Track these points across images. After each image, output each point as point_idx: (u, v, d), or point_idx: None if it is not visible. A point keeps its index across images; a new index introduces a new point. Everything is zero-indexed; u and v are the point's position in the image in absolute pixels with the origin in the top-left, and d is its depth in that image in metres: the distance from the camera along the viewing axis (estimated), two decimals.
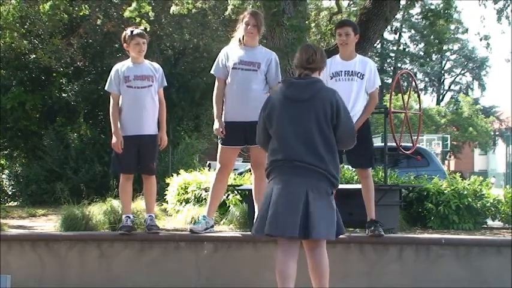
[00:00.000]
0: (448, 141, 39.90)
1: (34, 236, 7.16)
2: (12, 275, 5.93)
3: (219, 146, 6.56)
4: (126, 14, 11.20)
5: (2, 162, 17.90)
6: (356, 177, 8.56)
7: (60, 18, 14.02)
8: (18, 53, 15.96)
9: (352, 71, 6.37)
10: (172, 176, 10.81)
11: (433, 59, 52.38)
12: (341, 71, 6.35)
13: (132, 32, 6.59)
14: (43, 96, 16.77)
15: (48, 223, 9.08)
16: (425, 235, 7.29)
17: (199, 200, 9.25)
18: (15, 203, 15.75)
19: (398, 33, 49.99)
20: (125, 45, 6.68)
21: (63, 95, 17.05)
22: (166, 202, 10.07)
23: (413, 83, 9.06)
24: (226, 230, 7.88)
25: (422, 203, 8.55)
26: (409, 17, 46.65)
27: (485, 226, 8.66)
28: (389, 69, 51.27)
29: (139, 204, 7.66)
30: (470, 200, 8.39)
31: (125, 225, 6.57)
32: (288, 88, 5.10)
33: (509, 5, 11.22)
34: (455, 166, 49.39)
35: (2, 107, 16.00)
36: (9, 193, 17.03)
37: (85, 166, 15.29)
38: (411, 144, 8.91)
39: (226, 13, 12.52)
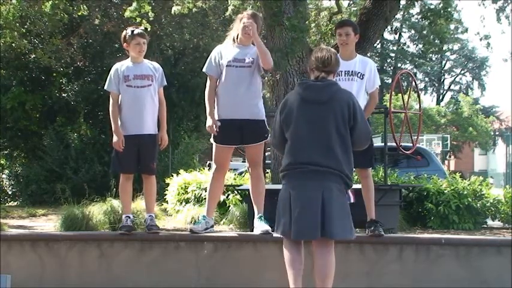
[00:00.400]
0: (448, 141, 39.89)
1: (34, 236, 7.15)
2: (12, 275, 5.93)
3: (214, 146, 6.53)
4: (127, 14, 11.19)
5: (2, 162, 17.91)
6: (356, 177, 8.57)
7: (60, 18, 14.01)
8: (18, 53, 15.96)
9: (352, 71, 6.37)
10: (172, 176, 10.82)
11: (433, 59, 52.41)
12: (341, 71, 6.34)
13: (132, 31, 6.59)
14: (43, 96, 16.78)
15: (48, 223, 9.09)
16: (425, 235, 7.30)
17: (199, 200, 9.26)
18: (15, 203, 15.76)
19: (398, 33, 50.00)
20: (124, 44, 6.67)
21: (63, 95, 17.06)
22: (166, 202, 10.08)
23: (413, 83, 9.07)
24: (226, 230, 7.89)
25: (422, 203, 8.56)
26: (409, 17, 46.64)
27: (485, 226, 8.67)
28: (389, 69, 51.28)
29: (139, 204, 7.67)
30: (470, 200, 8.40)
31: (124, 225, 6.57)
32: (305, 90, 5.19)
33: (508, 5, 11.21)
34: (455, 166, 49.38)
35: (2, 107, 16.01)
36: (9, 193, 17.04)
37: (85, 166, 15.30)
38: (411, 144, 8.92)
39: (227, 13, 12.53)
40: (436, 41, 13.02)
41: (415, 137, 8.84)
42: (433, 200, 8.45)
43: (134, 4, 11.00)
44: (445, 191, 8.53)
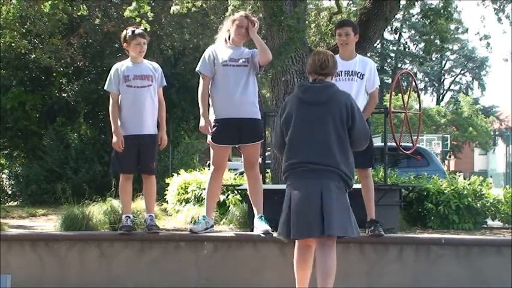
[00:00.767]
0: (448, 141, 39.90)
1: (34, 236, 7.15)
2: (12, 275, 5.93)
3: (212, 146, 6.52)
4: (126, 13, 11.18)
5: (2, 162, 17.91)
6: (356, 177, 8.56)
7: (60, 18, 14.01)
8: (18, 53, 15.95)
9: (352, 71, 6.37)
10: (172, 176, 10.81)
11: (433, 59, 52.38)
12: (341, 71, 6.35)
13: (133, 31, 6.59)
14: (43, 96, 16.78)
15: (48, 223, 9.08)
16: (425, 235, 7.30)
17: (199, 200, 9.26)
18: (15, 203, 15.76)
19: (398, 33, 49.98)
20: (125, 44, 6.67)
21: (63, 95, 17.06)
22: (166, 202, 10.08)
23: (413, 83, 9.07)
24: (226, 230, 7.88)
25: (422, 203, 8.55)
26: (409, 17, 46.63)
27: (485, 226, 8.66)
28: (389, 69, 51.27)
29: (139, 204, 7.66)
30: (470, 200, 8.40)
31: (124, 225, 6.57)
32: (304, 93, 5.30)
33: (507, 5, 11.20)
34: (455, 166, 49.38)
35: (2, 107, 16.01)
36: (9, 193, 17.04)
37: (85, 166, 15.30)
38: (411, 144, 8.91)
39: (227, 13, 12.52)
40: (436, 41, 13.01)
41: (415, 137, 8.83)
42: (433, 200, 8.45)
43: (134, 4, 10.99)
44: (445, 191, 8.52)
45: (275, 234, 5.40)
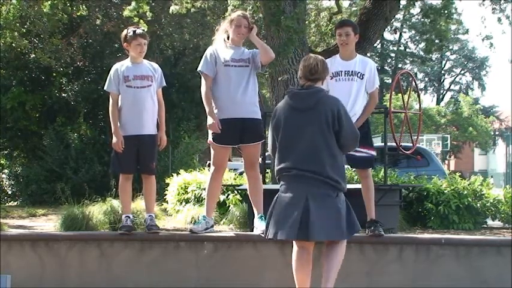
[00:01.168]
0: (448, 141, 39.87)
1: (34, 236, 7.15)
2: (12, 275, 5.94)
3: (212, 146, 6.51)
4: (125, 13, 11.17)
5: (2, 162, 17.89)
6: (356, 177, 8.57)
7: (60, 18, 14.00)
8: (18, 53, 15.94)
9: (352, 71, 6.38)
10: (172, 176, 10.81)
11: (433, 59, 52.37)
12: (341, 71, 6.36)
13: (134, 31, 6.58)
14: (43, 96, 16.77)
15: (48, 223, 9.08)
16: (425, 235, 7.29)
17: (199, 200, 9.26)
18: (15, 203, 15.74)
19: (398, 33, 49.97)
20: (125, 44, 6.67)
21: (63, 95, 17.04)
22: (166, 202, 10.07)
23: (413, 83, 9.07)
24: (226, 230, 7.88)
25: (422, 203, 8.55)
26: (410, 17, 46.61)
27: (485, 226, 8.66)
28: (389, 69, 51.25)
29: (139, 204, 7.66)
30: (470, 200, 8.39)
31: (124, 225, 6.57)
32: (291, 99, 5.40)
33: (506, 5, 11.20)
34: (455, 166, 49.36)
35: (2, 107, 16.00)
36: (9, 193, 17.03)
37: (85, 166, 15.29)
38: (411, 144, 8.91)
39: (227, 13, 12.51)
40: (436, 41, 13.01)
41: (415, 137, 8.84)
42: (433, 200, 8.45)
43: (133, 4, 10.98)
44: (445, 191, 8.52)
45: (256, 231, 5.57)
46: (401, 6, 11.89)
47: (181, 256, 6.54)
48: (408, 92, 9.39)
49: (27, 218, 10.22)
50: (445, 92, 56.97)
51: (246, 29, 6.46)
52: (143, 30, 6.83)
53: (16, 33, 13.77)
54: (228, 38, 6.51)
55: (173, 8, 11.78)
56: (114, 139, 6.51)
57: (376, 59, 47.02)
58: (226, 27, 6.52)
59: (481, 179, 8.99)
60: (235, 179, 9.62)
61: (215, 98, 6.47)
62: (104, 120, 15.95)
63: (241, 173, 10.86)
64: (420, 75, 54.11)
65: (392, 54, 52.42)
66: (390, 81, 46.62)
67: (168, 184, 10.47)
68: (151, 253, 6.57)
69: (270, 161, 9.70)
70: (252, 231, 6.62)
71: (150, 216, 6.66)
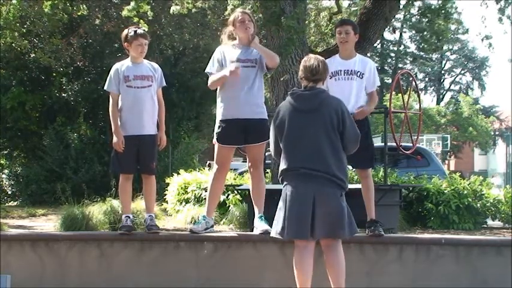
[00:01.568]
0: (448, 141, 39.86)
1: (34, 236, 7.15)
2: (12, 275, 5.93)
3: (216, 146, 6.52)
4: (124, 13, 11.15)
5: (2, 162, 17.90)
6: (356, 177, 8.57)
7: (60, 18, 13.99)
8: (18, 53, 15.94)
9: (351, 70, 6.37)
10: (172, 176, 10.82)
11: (433, 59, 52.35)
12: (340, 70, 6.36)
13: (135, 31, 6.57)
14: (43, 96, 16.77)
15: (48, 223, 9.08)
16: (425, 235, 7.30)
17: (199, 200, 9.27)
18: (15, 203, 15.75)
19: (399, 33, 49.95)
20: (125, 44, 6.66)
21: (63, 94, 17.05)
22: (166, 202, 10.08)
23: (413, 83, 9.08)
24: (226, 230, 7.89)
25: (422, 203, 8.56)
26: (410, 17, 46.59)
27: (485, 226, 8.67)
28: (389, 69, 51.24)
29: (139, 204, 7.66)
30: (470, 200, 8.40)
31: (124, 225, 6.57)
32: (295, 100, 5.41)
33: (508, 5, 11.18)
34: (455, 166, 49.35)
35: (2, 107, 16.00)
36: (9, 193, 17.03)
37: (85, 166, 15.30)
38: (411, 144, 8.91)
39: (226, 13, 12.51)
40: (434, 40, 13.00)
41: (415, 137, 8.84)
42: (433, 200, 8.45)
43: (132, 4, 10.97)
44: (445, 191, 8.53)
45: (272, 234, 5.47)
46: (401, 6, 11.89)
47: (181, 256, 6.54)
48: (408, 92, 9.40)
49: (27, 218, 10.22)
50: (445, 92, 56.96)
51: (250, 22, 6.45)
52: (144, 30, 6.83)
53: (16, 33, 13.76)
54: (234, 38, 6.51)
55: (174, 9, 11.78)
56: (115, 139, 6.50)
57: (376, 59, 47.01)
58: (231, 30, 6.52)
59: (481, 179, 8.98)
60: (235, 179, 9.62)
61: (220, 98, 6.48)
62: (104, 120, 15.95)
63: (241, 173, 10.87)
64: (420, 75, 54.10)
65: (392, 54, 52.40)
66: (390, 81, 46.61)
67: (168, 184, 10.47)
68: (151, 253, 6.57)
69: (270, 161, 9.72)
70: (252, 231, 6.61)
71: (150, 216, 6.66)
